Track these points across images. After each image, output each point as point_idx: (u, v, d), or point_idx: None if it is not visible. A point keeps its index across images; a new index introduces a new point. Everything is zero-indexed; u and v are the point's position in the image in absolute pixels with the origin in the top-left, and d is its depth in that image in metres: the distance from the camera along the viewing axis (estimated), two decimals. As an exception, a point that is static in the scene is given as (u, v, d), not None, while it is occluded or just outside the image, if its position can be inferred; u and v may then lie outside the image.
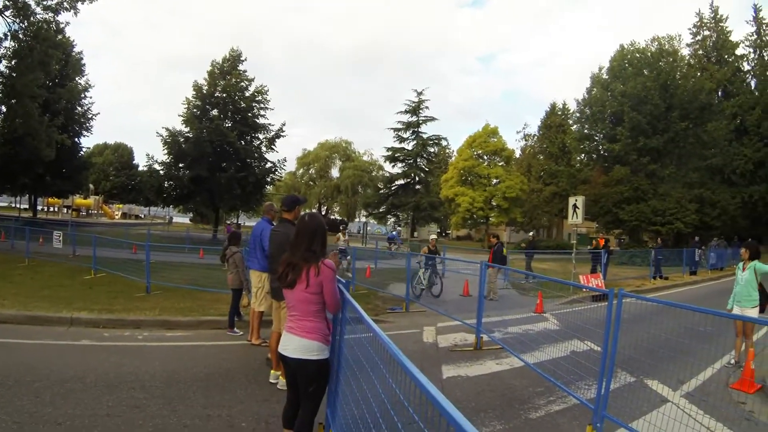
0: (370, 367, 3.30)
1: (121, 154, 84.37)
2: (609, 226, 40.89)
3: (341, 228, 17.40)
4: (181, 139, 39.23)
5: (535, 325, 10.22)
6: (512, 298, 15.50)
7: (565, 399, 6.20)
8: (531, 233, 55.00)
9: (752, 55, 49.91)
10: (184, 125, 39.87)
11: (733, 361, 7.90)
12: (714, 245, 28.68)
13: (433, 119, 66.71)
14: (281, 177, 50.66)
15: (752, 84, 48.95)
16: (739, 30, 73.14)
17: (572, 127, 51.06)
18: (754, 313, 7.86)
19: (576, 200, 17.83)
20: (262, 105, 42.36)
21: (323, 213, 70.82)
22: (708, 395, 6.43)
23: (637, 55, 41.94)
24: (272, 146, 43.08)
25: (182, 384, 6.07)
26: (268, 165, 42.79)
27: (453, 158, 63.04)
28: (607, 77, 42.66)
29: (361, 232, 57.96)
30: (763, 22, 48.99)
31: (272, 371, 6.39)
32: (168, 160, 39.91)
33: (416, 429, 2.30)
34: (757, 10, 49.44)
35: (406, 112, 66.22)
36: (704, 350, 6.73)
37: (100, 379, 6.04)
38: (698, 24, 51.70)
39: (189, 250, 24.90)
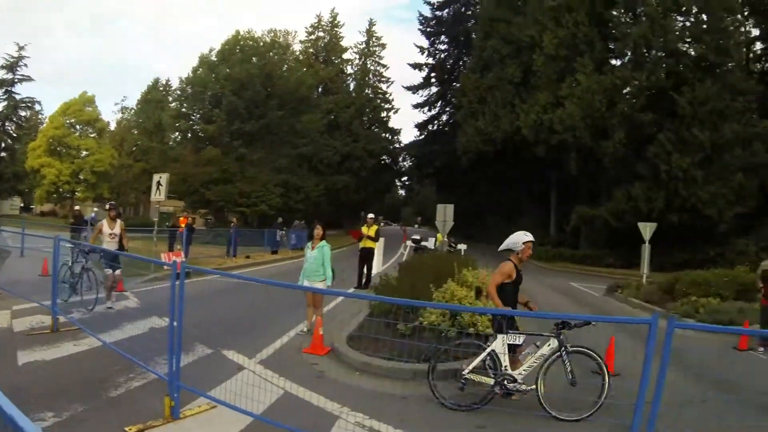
0: None
1: None
2: (196, 205, 42.21)
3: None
4: None
5: (115, 304, 10.13)
6: (97, 277, 14.67)
7: (145, 375, 6.28)
8: (77, 207, 52.50)
9: (357, 61, 60.35)
10: None
11: (305, 329, 9.15)
12: (295, 227, 32.13)
13: (30, 79, 57.11)
14: None
15: (351, 86, 58.73)
16: (352, 37, 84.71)
17: (171, 105, 51.37)
18: (321, 286, 9.23)
19: (160, 177, 18.02)
20: None
21: None
22: (283, 360, 7.41)
23: (251, 42, 44.79)
24: None
25: None
26: None
27: (44, 125, 57.12)
28: (215, 59, 43.97)
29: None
30: (374, 34, 60.22)
31: None
32: None
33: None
34: (371, 23, 60.83)
35: (2, 67, 55.51)
36: (280, 320, 7.71)
37: None
38: (316, 25, 59.49)
39: None
